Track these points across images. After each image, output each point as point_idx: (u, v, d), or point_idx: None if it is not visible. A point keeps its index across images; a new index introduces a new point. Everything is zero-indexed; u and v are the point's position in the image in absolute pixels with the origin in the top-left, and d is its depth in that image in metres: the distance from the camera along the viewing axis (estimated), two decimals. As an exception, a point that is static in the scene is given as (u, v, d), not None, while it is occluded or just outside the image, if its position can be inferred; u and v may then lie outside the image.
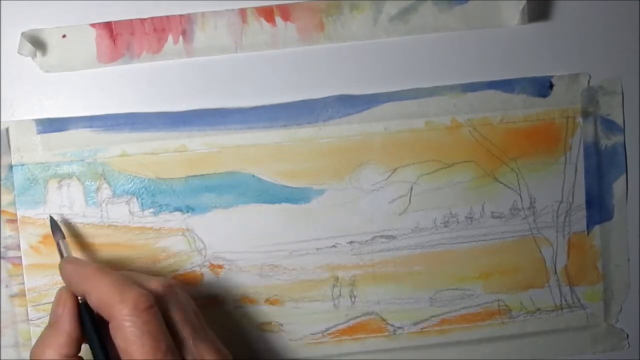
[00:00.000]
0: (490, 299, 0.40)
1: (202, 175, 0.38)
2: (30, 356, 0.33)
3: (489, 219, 0.39)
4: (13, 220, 0.38)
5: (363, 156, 0.39)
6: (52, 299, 0.38)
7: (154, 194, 0.38)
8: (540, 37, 0.39)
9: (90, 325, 0.33)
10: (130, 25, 0.38)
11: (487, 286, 0.40)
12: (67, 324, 0.32)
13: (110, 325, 0.31)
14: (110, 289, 0.31)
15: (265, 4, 0.38)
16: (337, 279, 0.39)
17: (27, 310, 0.38)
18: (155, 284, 0.33)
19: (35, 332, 0.38)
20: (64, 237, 0.37)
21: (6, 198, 0.38)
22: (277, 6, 0.38)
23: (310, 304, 0.39)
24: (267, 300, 0.39)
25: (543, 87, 0.39)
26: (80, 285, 0.33)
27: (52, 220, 0.37)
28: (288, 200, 0.39)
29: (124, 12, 0.38)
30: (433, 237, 0.39)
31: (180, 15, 0.38)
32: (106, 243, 0.38)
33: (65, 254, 0.36)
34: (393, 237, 0.39)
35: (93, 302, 0.32)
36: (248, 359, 0.39)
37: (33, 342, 0.38)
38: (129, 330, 0.30)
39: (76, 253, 0.38)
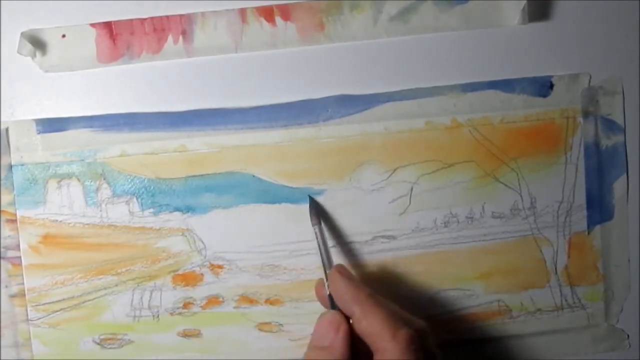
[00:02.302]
0: (491, 299, 0.40)
1: (202, 175, 0.38)
2: None
3: (489, 219, 0.39)
4: (13, 220, 0.38)
5: (363, 156, 0.39)
6: (52, 298, 0.38)
7: (154, 194, 0.38)
8: (541, 37, 0.39)
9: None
10: (130, 25, 0.38)
11: (487, 286, 0.40)
12: (343, 349, 0.32)
13: (376, 357, 0.31)
14: (384, 322, 0.31)
15: (265, 4, 0.38)
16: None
17: (26, 311, 0.38)
18: (419, 325, 0.33)
19: (35, 332, 0.38)
20: (319, 222, 0.37)
21: (6, 198, 0.38)
22: (277, 6, 0.38)
23: (310, 304, 0.39)
24: (267, 300, 0.39)
25: (543, 87, 0.39)
26: (351, 306, 0.33)
27: (311, 200, 0.37)
28: (288, 200, 0.39)
29: (124, 12, 0.38)
30: (433, 237, 0.39)
31: (180, 15, 0.38)
32: (106, 243, 0.38)
33: (319, 242, 0.36)
34: (393, 237, 0.39)
35: (362, 329, 0.32)
36: (248, 359, 0.39)
37: (33, 342, 0.38)
38: None
39: (76, 253, 0.38)
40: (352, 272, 0.37)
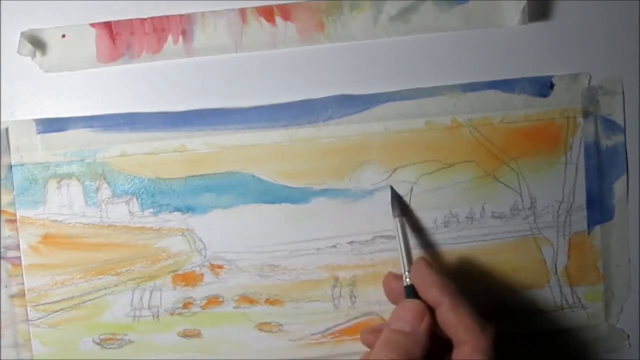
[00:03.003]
0: (491, 299, 0.40)
1: (202, 175, 0.38)
2: (374, 355, 0.32)
3: (489, 219, 0.39)
4: (13, 220, 0.38)
5: (363, 156, 0.39)
6: (52, 299, 0.38)
7: (154, 194, 0.38)
8: (541, 37, 0.39)
9: None
10: (130, 25, 0.38)
11: (487, 286, 0.40)
12: (426, 339, 0.33)
13: (460, 349, 0.32)
14: (472, 316, 0.32)
15: (265, 3, 0.38)
16: (337, 279, 0.39)
17: (26, 311, 0.38)
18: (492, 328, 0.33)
19: (35, 332, 0.38)
20: (401, 215, 0.37)
21: (6, 198, 0.38)
22: (277, 6, 0.38)
23: (310, 304, 0.39)
24: (267, 300, 0.39)
25: (543, 87, 0.39)
26: (440, 297, 0.33)
27: (393, 192, 0.38)
28: (288, 200, 0.39)
29: (124, 12, 0.38)
30: (433, 237, 0.39)
31: (180, 15, 0.38)
32: (106, 243, 0.38)
33: (400, 234, 0.36)
34: (393, 237, 0.39)
35: (449, 319, 0.33)
36: (248, 359, 0.39)
37: (32, 342, 0.38)
38: None
39: (76, 253, 0.38)
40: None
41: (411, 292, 0.35)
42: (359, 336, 0.39)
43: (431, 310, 0.33)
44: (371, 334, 0.37)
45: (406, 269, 0.36)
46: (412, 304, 0.34)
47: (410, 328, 0.33)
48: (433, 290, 0.33)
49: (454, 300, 0.33)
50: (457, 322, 0.32)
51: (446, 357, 0.33)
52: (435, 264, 0.38)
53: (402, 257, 0.36)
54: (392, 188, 0.38)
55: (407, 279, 0.35)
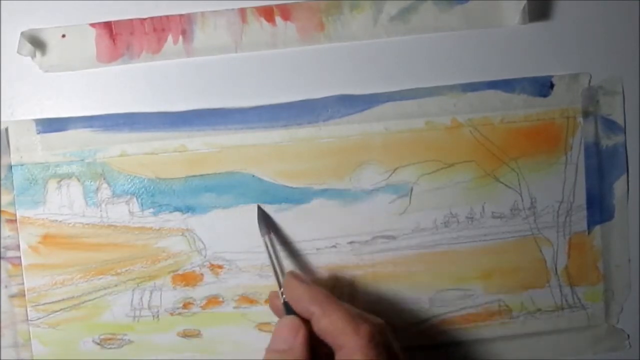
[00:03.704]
0: (491, 299, 0.40)
1: (202, 175, 0.38)
2: None
3: (489, 219, 0.39)
4: (12, 221, 0.38)
5: (363, 156, 0.39)
6: (52, 299, 0.38)
7: (154, 194, 0.38)
8: (541, 37, 0.39)
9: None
10: (130, 25, 0.38)
11: (487, 286, 0.40)
12: (304, 352, 0.32)
13: (339, 354, 0.32)
14: (346, 318, 0.32)
15: (265, 3, 0.38)
16: (337, 279, 0.39)
17: (26, 311, 0.38)
18: (377, 321, 0.33)
19: (35, 332, 0.38)
20: (269, 232, 0.37)
21: (6, 198, 0.38)
22: (277, 6, 0.38)
23: (310, 304, 0.39)
24: (267, 301, 0.39)
25: (543, 87, 0.39)
26: (309, 307, 0.33)
27: (260, 210, 0.38)
28: (288, 200, 0.39)
29: (124, 12, 0.38)
30: (433, 237, 0.39)
31: (180, 15, 0.38)
32: (106, 243, 0.38)
33: (271, 252, 0.36)
34: (393, 237, 0.39)
35: (322, 327, 0.32)
36: (248, 359, 0.39)
37: (32, 342, 0.38)
38: None
39: (76, 253, 0.38)
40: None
41: (288, 308, 0.34)
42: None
43: (308, 322, 0.33)
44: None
45: (279, 285, 0.35)
46: (286, 320, 0.34)
47: (287, 345, 0.33)
48: (303, 303, 0.33)
49: (323, 308, 0.32)
50: (330, 328, 0.32)
51: None
52: (307, 274, 0.38)
53: (277, 274, 0.36)
54: (258, 207, 0.38)
55: (283, 296, 0.35)
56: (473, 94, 0.39)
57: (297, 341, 0.32)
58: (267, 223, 0.37)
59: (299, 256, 0.39)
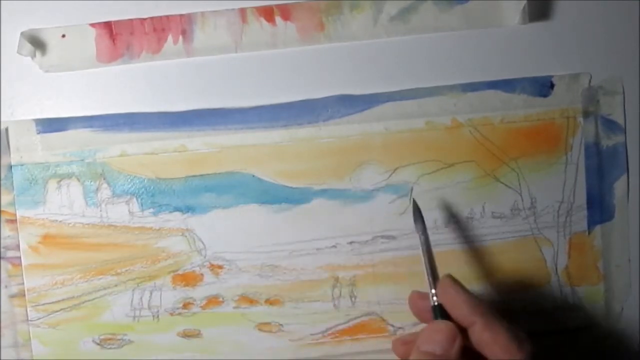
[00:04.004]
0: (491, 300, 0.40)
1: (202, 175, 0.38)
2: None
3: (489, 219, 0.39)
4: (12, 221, 0.38)
5: (363, 156, 0.39)
6: (52, 299, 0.38)
7: (154, 194, 0.38)
8: (541, 37, 0.39)
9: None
10: (130, 25, 0.38)
11: (487, 286, 0.40)
12: None
13: None
14: (508, 333, 0.31)
15: (265, 3, 0.38)
16: (337, 279, 0.39)
17: (26, 311, 0.38)
18: (526, 337, 0.32)
19: (35, 332, 0.38)
20: (425, 230, 0.36)
21: (6, 198, 0.38)
22: (277, 6, 0.38)
23: (310, 304, 0.39)
24: (267, 300, 0.39)
25: (544, 87, 0.39)
26: (471, 317, 0.32)
27: (415, 205, 0.37)
28: (288, 200, 0.39)
29: (124, 12, 0.38)
30: (433, 237, 0.39)
31: (180, 15, 0.38)
32: (106, 243, 0.38)
33: (424, 250, 0.35)
34: (393, 237, 0.39)
35: (483, 340, 0.31)
36: (248, 359, 0.39)
37: (32, 342, 0.38)
38: None
39: (76, 253, 0.38)
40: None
41: (439, 312, 0.33)
42: (359, 336, 0.39)
43: (462, 330, 0.32)
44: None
45: (432, 287, 0.34)
46: (443, 325, 0.33)
47: (442, 351, 0.32)
48: (464, 310, 0.32)
49: (486, 319, 0.32)
50: (492, 341, 0.31)
51: None
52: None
53: (428, 274, 0.35)
54: (414, 202, 0.37)
55: (435, 298, 0.34)
56: (473, 94, 0.39)
57: (453, 350, 0.32)
58: (422, 219, 0.36)
59: (301, 256, 0.39)
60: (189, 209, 0.38)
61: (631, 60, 0.39)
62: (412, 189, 0.39)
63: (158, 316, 0.39)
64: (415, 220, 0.37)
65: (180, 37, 0.38)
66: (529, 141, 0.39)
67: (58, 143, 0.38)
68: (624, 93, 0.39)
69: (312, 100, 0.38)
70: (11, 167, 0.38)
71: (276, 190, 0.39)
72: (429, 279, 0.35)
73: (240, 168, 0.38)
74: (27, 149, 0.38)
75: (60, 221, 0.38)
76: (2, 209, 0.38)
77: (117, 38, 0.38)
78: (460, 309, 0.33)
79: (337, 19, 0.38)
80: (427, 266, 0.35)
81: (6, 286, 0.38)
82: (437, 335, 0.32)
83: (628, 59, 0.39)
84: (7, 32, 0.38)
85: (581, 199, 0.39)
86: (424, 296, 0.35)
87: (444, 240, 0.39)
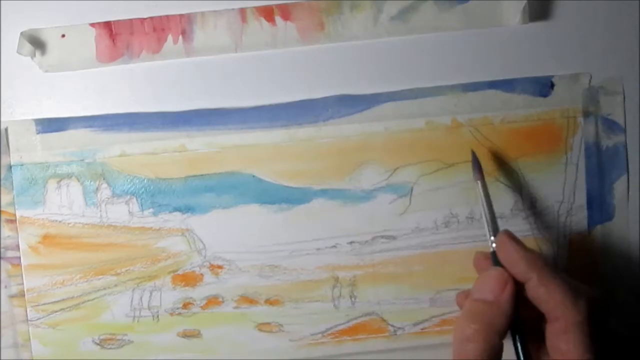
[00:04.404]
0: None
1: (202, 175, 0.38)
2: (456, 328, 0.32)
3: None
4: (12, 221, 0.38)
5: (363, 156, 0.39)
6: (52, 299, 0.38)
7: (154, 194, 0.38)
8: (541, 37, 0.39)
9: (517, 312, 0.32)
10: (129, 25, 0.38)
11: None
12: (509, 308, 0.32)
13: (554, 325, 0.31)
14: (565, 289, 0.31)
15: (265, 3, 0.38)
16: (337, 279, 0.39)
17: (26, 311, 0.38)
18: (593, 293, 0.32)
19: (35, 332, 0.38)
20: (482, 178, 0.36)
21: (5, 198, 0.38)
22: (277, 6, 0.38)
23: (310, 304, 0.39)
24: (267, 301, 0.39)
25: (544, 87, 0.39)
26: (528, 273, 0.32)
27: (474, 155, 0.37)
28: (288, 200, 0.39)
29: (124, 11, 0.38)
30: (433, 237, 0.39)
31: (180, 15, 0.38)
32: (106, 243, 0.38)
33: (482, 198, 0.35)
34: (393, 238, 0.39)
35: (539, 295, 0.32)
36: (248, 359, 0.39)
37: (32, 342, 0.38)
38: (579, 338, 0.30)
39: (76, 253, 0.38)
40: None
41: (495, 258, 0.34)
42: (359, 336, 0.39)
43: (520, 285, 0.32)
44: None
45: (491, 233, 0.35)
46: (494, 271, 0.33)
47: (492, 297, 0.32)
48: (520, 266, 0.32)
49: (542, 275, 0.32)
50: (547, 297, 0.31)
51: (543, 330, 0.32)
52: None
53: (487, 221, 0.35)
54: (473, 153, 0.38)
55: (493, 244, 0.34)
56: (473, 93, 0.39)
57: (504, 295, 0.32)
58: (480, 168, 0.37)
59: (301, 256, 0.39)
60: (188, 209, 0.38)
61: (631, 60, 0.39)
62: (412, 189, 0.39)
63: (158, 316, 0.39)
64: (473, 169, 0.37)
65: (180, 37, 0.38)
66: (529, 141, 0.39)
67: (58, 143, 0.38)
68: (624, 93, 0.39)
69: (312, 100, 0.38)
70: (11, 167, 0.38)
71: (276, 190, 0.39)
72: (487, 226, 0.35)
73: (240, 168, 0.38)
74: (27, 149, 0.38)
75: (60, 221, 0.38)
76: (2, 209, 0.38)
77: (117, 38, 0.38)
78: (516, 265, 0.33)
79: (337, 19, 0.38)
80: (486, 214, 0.35)
81: (6, 286, 0.38)
82: (488, 282, 0.33)
83: (628, 59, 0.39)
84: (7, 32, 0.38)
85: (581, 199, 0.39)
86: (488, 255, 0.35)
87: (444, 241, 0.39)
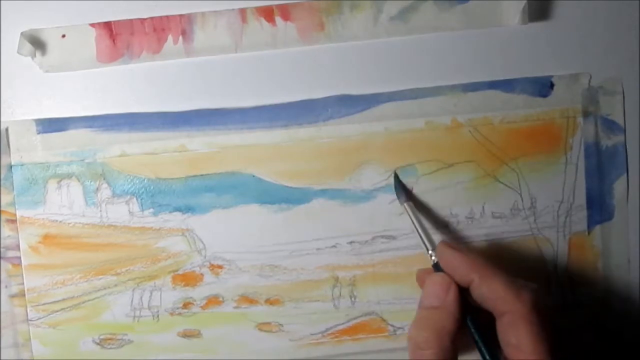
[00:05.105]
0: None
1: (202, 175, 0.38)
2: (409, 337, 0.33)
3: (489, 219, 0.39)
4: (12, 221, 0.38)
5: (363, 156, 0.39)
6: (52, 299, 0.38)
7: (154, 194, 0.38)
8: (541, 37, 0.39)
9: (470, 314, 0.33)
10: (130, 25, 0.38)
11: (487, 286, 0.40)
12: (456, 309, 0.33)
13: (501, 320, 0.32)
14: (506, 284, 0.32)
15: (265, 3, 0.38)
16: (337, 279, 0.39)
17: (26, 311, 0.38)
18: (532, 286, 0.33)
19: (35, 332, 0.38)
20: (408, 199, 0.37)
21: (6, 198, 0.38)
22: (277, 6, 0.38)
23: (310, 304, 0.39)
24: (267, 300, 0.39)
25: (544, 87, 0.39)
26: (468, 275, 0.33)
27: (396, 178, 0.38)
28: (288, 200, 0.39)
29: (124, 12, 0.38)
30: (433, 237, 0.39)
31: (180, 15, 0.38)
32: (106, 243, 0.38)
33: (412, 218, 0.36)
34: (393, 237, 0.39)
35: (482, 294, 0.32)
36: (248, 359, 0.39)
37: (32, 342, 0.38)
38: (526, 328, 0.31)
39: (76, 253, 0.38)
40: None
41: (439, 269, 0.35)
42: (359, 336, 0.39)
43: (466, 291, 0.33)
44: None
45: (429, 248, 0.36)
46: (436, 277, 0.34)
47: (438, 301, 0.33)
48: (460, 270, 0.33)
49: (482, 274, 0.33)
50: (490, 294, 0.32)
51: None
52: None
53: (422, 238, 0.36)
54: (395, 175, 0.38)
55: (433, 257, 0.35)
56: (473, 94, 0.39)
57: (449, 297, 0.33)
58: (404, 191, 0.38)
59: (301, 256, 0.39)
60: (189, 209, 0.38)
61: (631, 60, 0.39)
62: (412, 189, 0.39)
63: (158, 316, 0.39)
64: (396, 192, 0.38)
65: (180, 37, 0.38)
66: (529, 141, 0.39)
67: (58, 143, 0.38)
68: (623, 93, 0.39)
69: (312, 100, 0.38)
70: (11, 167, 0.38)
71: (276, 190, 0.39)
72: (424, 242, 0.36)
73: (240, 168, 0.38)
74: (27, 149, 0.38)
75: (60, 221, 0.38)
76: (2, 209, 0.38)
77: (117, 38, 0.38)
78: (458, 269, 0.34)
79: (337, 19, 0.38)
80: (419, 231, 0.36)
81: (6, 286, 0.38)
82: (432, 287, 0.34)
83: (628, 59, 0.39)
84: (7, 32, 0.38)
85: (581, 199, 0.40)
86: (429, 270, 0.36)
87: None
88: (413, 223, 0.37)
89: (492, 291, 0.32)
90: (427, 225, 0.39)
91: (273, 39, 0.38)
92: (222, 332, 0.39)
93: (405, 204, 0.37)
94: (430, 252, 0.35)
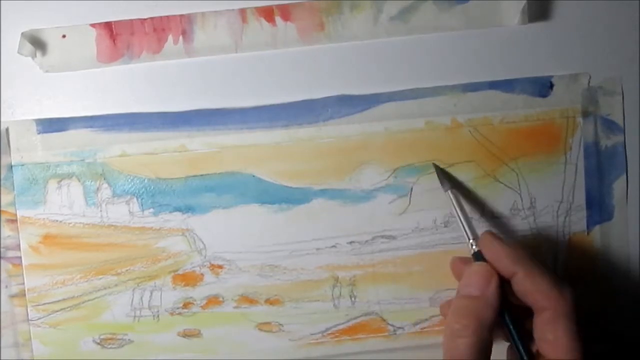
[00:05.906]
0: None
1: (202, 175, 0.38)
2: (446, 325, 0.33)
3: (489, 219, 0.39)
4: (13, 220, 0.38)
5: (363, 156, 0.39)
6: (52, 299, 0.38)
7: (154, 194, 0.38)
8: (541, 37, 0.39)
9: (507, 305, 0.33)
10: (130, 25, 0.38)
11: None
12: (496, 301, 0.32)
13: (541, 316, 0.32)
14: (549, 280, 0.32)
15: (265, 3, 0.38)
16: (337, 279, 0.39)
17: (26, 311, 0.38)
18: (570, 287, 0.33)
19: (35, 332, 0.38)
20: (451, 187, 0.37)
21: (6, 198, 0.38)
22: (277, 6, 0.38)
23: (310, 304, 0.39)
24: (267, 300, 0.39)
25: (543, 87, 0.39)
26: (512, 267, 0.33)
27: (437, 167, 0.38)
28: (288, 200, 0.39)
29: (124, 12, 0.38)
30: (433, 237, 0.39)
31: (180, 15, 0.38)
32: (106, 243, 0.38)
33: (455, 206, 0.36)
34: (393, 237, 0.39)
35: (525, 288, 0.32)
36: (248, 359, 0.39)
37: (33, 342, 0.38)
38: (565, 326, 0.31)
39: (76, 253, 0.38)
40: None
41: (479, 258, 0.35)
42: (358, 336, 0.39)
43: (507, 282, 0.33)
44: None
45: (470, 237, 0.36)
46: (477, 267, 0.34)
47: (478, 291, 0.33)
48: (505, 262, 0.33)
49: (527, 268, 0.33)
50: (533, 289, 0.32)
51: (528, 323, 0.33)
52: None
53: (464, 226, 0.36)
54: (435, 165, 0.38)
55: (474, 247, 0.35)
56: (473, 94, 0.39)
57: (489, 288, 0.33)
58: (447, 178, 0.38)
59: (301, 256, 0.39)
60: (189, 209, 0.38)
61: (631, 60, 0.39)
62: (412, 189, 0.39)
63: (158, 316, 0.39)
64: (440, 180, 0.38)
65: (181, 37, 0.38)
66: (528, 141, 0.39)
67: (58, 143, 0.38)
68: (623, 93, 0.39)
69: (312, 100, 0.38)
70: (11, 167, 0.38)
71: (276, 190, 0.39)
72: (465, 230, 0.36)
73: (240, 168, 0.38)
74: (28, 149, 0.38)
75: (61, 221, 0.38)
76: (2, 209, 0.38)
77: (118, 38, 0.38)
78: (501, 262, 0.33)
79: (337, 19, 0.38)
80: (461, 219, 0.36)
81: (6, 286, 0.38)
82: (473, 277, 0.33)
83: (628, 59, 0.39)
84: (7, 32, 0.38)
85: (580, 199, 0.40)
86: (465, 259, 0.36)
87: (444, 240, 0.39)
88: (456, 211, 0.37)
89: (535, 286, 0.32)
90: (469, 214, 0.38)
91: (273, 39, 0.38)
92: (222, 332, 0.39)
93: (449, 191, 0.37)
94: (471, 241, 0.35)
